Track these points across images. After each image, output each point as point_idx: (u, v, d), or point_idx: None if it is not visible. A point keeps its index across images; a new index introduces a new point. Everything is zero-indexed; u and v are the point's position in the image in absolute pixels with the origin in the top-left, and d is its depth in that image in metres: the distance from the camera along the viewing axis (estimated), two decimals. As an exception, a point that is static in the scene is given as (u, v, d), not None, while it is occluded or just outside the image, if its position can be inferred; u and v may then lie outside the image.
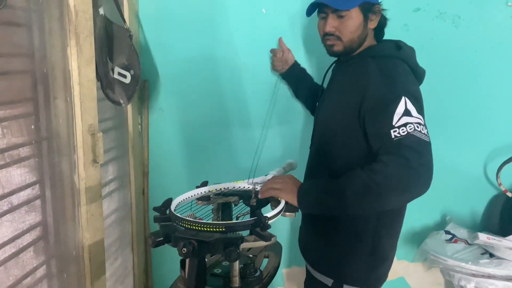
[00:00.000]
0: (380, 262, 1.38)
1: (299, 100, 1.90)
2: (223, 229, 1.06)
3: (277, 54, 1.83)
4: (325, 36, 1.38)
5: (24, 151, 1.27)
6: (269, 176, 1.41)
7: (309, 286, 1.54)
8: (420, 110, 1.21)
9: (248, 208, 1.33)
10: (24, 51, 1.27)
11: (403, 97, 1.17)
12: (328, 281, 1.40)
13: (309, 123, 1.81)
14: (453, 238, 1.77)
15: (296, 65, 1.83)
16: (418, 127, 1.14)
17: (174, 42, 1.97)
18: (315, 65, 1.90)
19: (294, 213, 1.22)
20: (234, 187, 1.42)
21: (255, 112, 1.99)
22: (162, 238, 1.03)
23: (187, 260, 1.05)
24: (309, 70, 1.88)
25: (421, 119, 1.17)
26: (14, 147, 1.22)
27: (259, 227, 1.08)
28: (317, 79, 1.88)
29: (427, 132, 1.17)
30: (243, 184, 1.42)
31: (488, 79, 1.80)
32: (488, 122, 1.84)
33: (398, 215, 1.39)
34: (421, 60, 1.41)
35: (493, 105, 1.82)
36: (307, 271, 1.54)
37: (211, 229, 1.05)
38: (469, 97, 1.83)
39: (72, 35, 1.30)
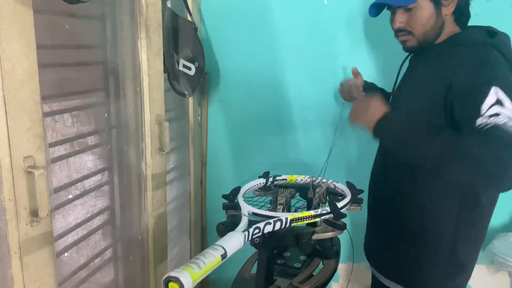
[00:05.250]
0: (459, 270, 1.29)
1: None
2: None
3: (344, 84, 1.71)
4: (396, 32, 1.29)
5: (95, 139, 1.34)
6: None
7: None
8: None
9: (304, 202, 1.34)
10: (97, 43, 1.33)
11: (493, 87, 1.06)
12: None
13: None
14: (523, 241, 1.68)
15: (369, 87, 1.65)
16: (511, 119, 1.03)
17: (234, 35, 1.99)
18: (381, 59, 1.86)
19: (360, 207, 1.20)
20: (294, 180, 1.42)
21: (314, 105, 1.97)
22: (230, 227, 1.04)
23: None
24: (375, 67, 1.84)
25: None
26: (86, 135, 1.28)
27: (334, 216, 1.08)
28: (385, 76, 1.84)
29: None
30: (301, 177, 1.42)
31: None
32: None
33: (479, 220, 1.27)
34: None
35: None
36: (373, 276, 1.48)
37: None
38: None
39: (143, 28, 1.35)
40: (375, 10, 1.33)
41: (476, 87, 1.09)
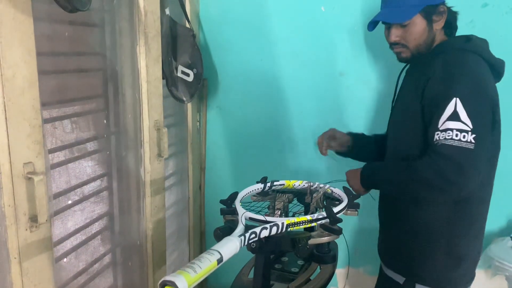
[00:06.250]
0: (456, 262, 1.34)
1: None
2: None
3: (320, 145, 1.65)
4: (391, 44, 1.39)
5: (94, 145, 1.34)
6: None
7: (380, 283, 1.55)
8: (476, 111, 1.17)
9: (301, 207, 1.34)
10: (97, 50, 1.35)
11: (454, 98, 1.17)
12: (400, 279, 1.39)
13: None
14: (520, 245, 1.68)
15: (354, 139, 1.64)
16: (458, 135, 1.14)
17: (232, 42, 2.01)
18: (379, 66, 1.87)
19: (356, 211, 1.21)
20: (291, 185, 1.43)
21: (312, 111, 1.99)
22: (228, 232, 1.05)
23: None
24: (372, 72, 1.86)
25: (466, 125, 1.15)
26: (86, 141, 1.29)
27: (330, 221, 1.09)
28: (383, 81, 1.87)
29: (473, 138, 1.14)
30: (298, 183, 1.43)
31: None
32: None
33: (476, 215, 1.34)
34: (489, 58, 1.34)
35: None
36: (380, 269, 1.56)
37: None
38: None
39: (141, 35, 1.36)
40: (372, 24, 1.43)
41: (439, 96, 1.20)
